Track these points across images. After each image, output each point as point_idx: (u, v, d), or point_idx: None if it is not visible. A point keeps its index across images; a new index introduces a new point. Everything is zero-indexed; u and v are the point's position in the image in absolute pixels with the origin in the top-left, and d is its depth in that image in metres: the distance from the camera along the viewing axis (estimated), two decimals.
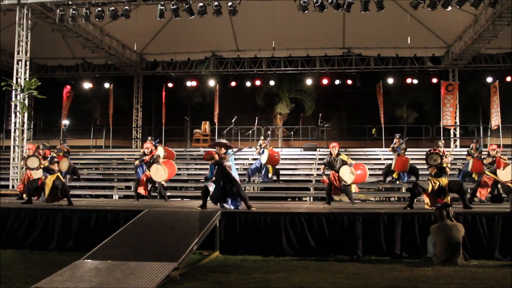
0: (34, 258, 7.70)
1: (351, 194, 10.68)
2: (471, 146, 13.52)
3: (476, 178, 11.78)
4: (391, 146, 13.58)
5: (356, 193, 12.14)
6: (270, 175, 13.38)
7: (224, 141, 9.89)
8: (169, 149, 13.92)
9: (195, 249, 7.20)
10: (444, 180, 9.17)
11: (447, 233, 7.23)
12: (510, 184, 9.80)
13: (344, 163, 10.49)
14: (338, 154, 10.73)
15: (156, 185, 11.29)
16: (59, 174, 10.52)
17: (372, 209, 9.22)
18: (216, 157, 9.01)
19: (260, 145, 13.60)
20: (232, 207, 9.09)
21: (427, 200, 9.32)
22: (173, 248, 6.88)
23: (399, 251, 7.92)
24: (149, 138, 14.70)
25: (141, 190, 11.34)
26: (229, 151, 9.18)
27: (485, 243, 7.86)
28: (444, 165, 9.26)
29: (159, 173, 11.07)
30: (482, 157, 11.05)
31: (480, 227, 7.94)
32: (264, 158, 13.12)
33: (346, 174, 10.35)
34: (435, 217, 7.52)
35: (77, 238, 8.56)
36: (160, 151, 12.72)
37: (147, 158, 11.34)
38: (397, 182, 13.32)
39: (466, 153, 13.75)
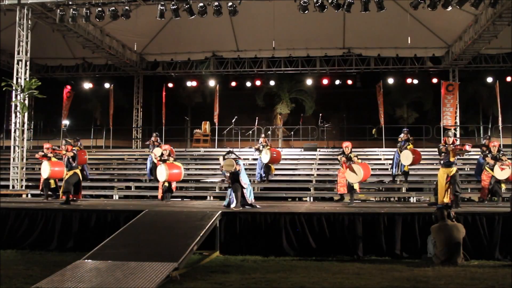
0: (34, 258, 7.71)
1: (353, 196, 10.68)
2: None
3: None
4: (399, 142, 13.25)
5: (356, 193, 12.15)
6: (271, 173, 13.46)
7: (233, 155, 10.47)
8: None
9: (195, 249, 7.21)
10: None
11: (447, 233, 7.23)
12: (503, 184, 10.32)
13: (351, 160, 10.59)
14: (350, 153, 10.76)
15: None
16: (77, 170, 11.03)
17: (372, 208, 9.22)
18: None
19: (261, 143, 13.61)
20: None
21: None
22: (173, 248, 6.89)
23: (399, 251, 7.93)
24: (155, 134, 14.64)
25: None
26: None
27: (485, 243, 7.87)
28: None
29: (161, 173, 11.08)
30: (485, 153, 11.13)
31: (480, 227, 7.95)
32: (265, 158, 13.14)
33: (353, 175, 10.37)
34: (435, 217, 7.53)
35: (77, 238, 8.58)
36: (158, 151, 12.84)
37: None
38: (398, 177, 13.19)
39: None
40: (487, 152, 10.97)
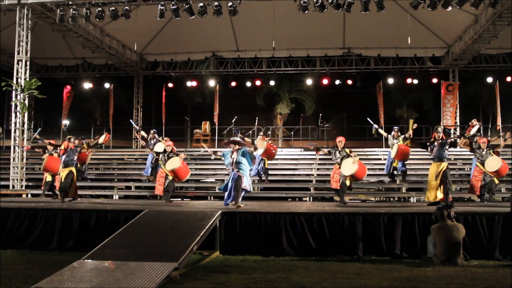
0: (34, 258, 7.71)
1: (343, 196, 10.62)
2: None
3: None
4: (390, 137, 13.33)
5: (356, 193, 12.14)
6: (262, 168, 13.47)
7: (237, 138, 10.63)
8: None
9: (195, 249, 7.20)
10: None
11: (447, 233, 7.23)
12: (495, 179, 10.41)
13: (348, 155, 10.55)
14: (343, 148, 10.74)
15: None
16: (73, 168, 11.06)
17: (372, 208, 9.22)
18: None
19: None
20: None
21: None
22: (173, 248, 6.89)
23: (399, 251, 7.93)
24: (152, 131, 14.66)
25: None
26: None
27: (485, 243, 7.87)
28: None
29: (173, 162, 11.24)
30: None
31: (480, 227, 7.94)
32: (260, 150, 13.11)
33: (347, 166, 10.34)
34: (435, 217, 7.53)
35: (77, 238, 8.57)
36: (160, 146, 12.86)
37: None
38: (395, 172, 13.22)
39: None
40: (476, 147, 10.98)
